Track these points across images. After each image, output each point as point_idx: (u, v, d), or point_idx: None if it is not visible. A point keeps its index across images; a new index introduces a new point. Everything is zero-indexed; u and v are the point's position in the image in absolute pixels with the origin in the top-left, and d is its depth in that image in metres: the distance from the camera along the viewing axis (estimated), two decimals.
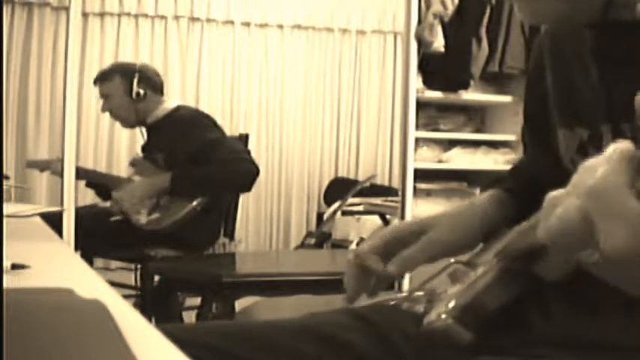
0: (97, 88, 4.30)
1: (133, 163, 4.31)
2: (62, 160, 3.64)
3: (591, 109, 1.06)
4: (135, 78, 4.16)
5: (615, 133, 1.01)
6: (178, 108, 4.27)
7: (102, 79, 4.27)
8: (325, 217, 6.66)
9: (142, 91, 4.16)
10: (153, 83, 4.24)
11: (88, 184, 4.57)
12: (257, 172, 3.98)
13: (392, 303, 1.21)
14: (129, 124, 4.38)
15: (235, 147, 4.09)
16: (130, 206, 4.06)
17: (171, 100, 4.40)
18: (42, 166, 4.90)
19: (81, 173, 4.34)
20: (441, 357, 1.05)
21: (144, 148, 4.32)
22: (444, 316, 0.97)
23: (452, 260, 1.11)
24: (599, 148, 1.03)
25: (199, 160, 3.93)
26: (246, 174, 3.97)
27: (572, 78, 1.11)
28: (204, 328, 1.22)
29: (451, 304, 0.98)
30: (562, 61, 1.14)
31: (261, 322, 1.21)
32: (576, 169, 0.73)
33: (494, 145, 5.01)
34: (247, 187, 4.08)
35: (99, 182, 4.53)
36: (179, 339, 0.77)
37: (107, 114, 4.35)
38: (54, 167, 4.43)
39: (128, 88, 4.17)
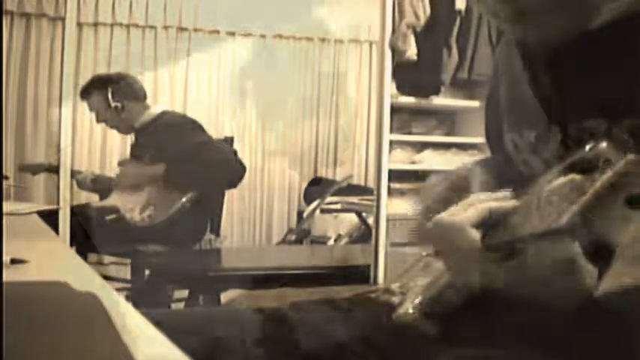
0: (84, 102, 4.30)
1: (121, 163, 4.31)
2: (58, 162, 3.63)
3: (541, 114, 1.07)
4: (109, 93, 4.13)
5: (564, 134, 1.02)
6: (164, 113, 4.26)
7: (84, 95, 4.25)
8: (305, 215, 6.65)
9: (119, 104, 4.13)
10: (131, 93, 4.20)
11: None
12: (244, 171, 3.99)
13: (370, 295, 1.21)
14: (122, 131, 4.38)
15: (223, 148, 4.10)
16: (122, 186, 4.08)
17: (156, 106, 4.39)
18: (34, 169, 4.89)
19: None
20: (411, 348, 1.05)
21: (132, 151, 4.31)
22: (411, 311, 0.97)
23: (424, 253, 1.11)
24: (547, 146, 1.05)
25: (189, 160, 3.92)
26: (234, 173, 3.99)
27: (521, 87, 1.12)
28: (192, 315, 1.22)
29: (418, 300, 0.99)
30: (512, 73, 1.16)
31: (247, 310, 1.21)
32: (529, 169, 0.75)
33: (463, 147, 5.02)
34: (234, 185, 4.12)
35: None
36: (167, 324, 0.77)
37: None
38: (48, 167, 4.44)
39: (106, 102, 4.15)
